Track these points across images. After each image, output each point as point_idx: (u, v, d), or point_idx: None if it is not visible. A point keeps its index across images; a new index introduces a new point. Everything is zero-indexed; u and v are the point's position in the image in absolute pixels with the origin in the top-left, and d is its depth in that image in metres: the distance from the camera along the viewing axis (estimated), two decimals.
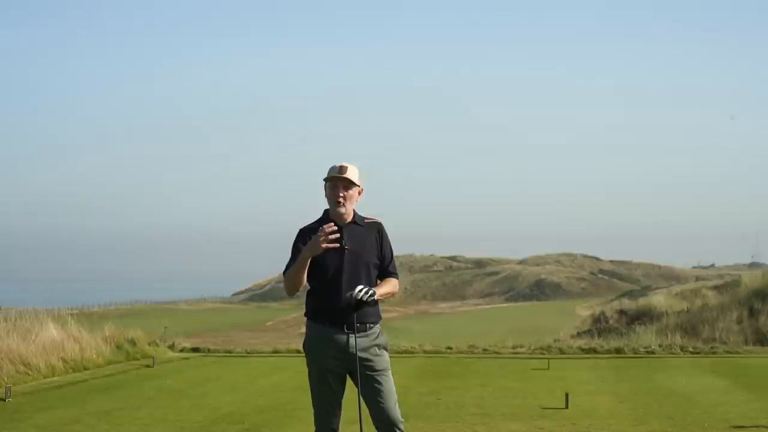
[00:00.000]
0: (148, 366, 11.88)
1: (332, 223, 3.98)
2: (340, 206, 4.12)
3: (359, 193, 4.20)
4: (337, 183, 4.12)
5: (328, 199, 4.19)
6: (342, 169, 4.12)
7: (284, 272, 4.15)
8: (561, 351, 13.77)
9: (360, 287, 3.97)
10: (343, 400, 4.18)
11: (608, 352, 13.67)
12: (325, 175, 4.17)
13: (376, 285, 4.15)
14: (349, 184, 4.13)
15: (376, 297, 4.00)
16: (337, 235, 3.96)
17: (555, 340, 17.36)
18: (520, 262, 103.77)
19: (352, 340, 4.04)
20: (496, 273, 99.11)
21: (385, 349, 4.21)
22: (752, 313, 21.07)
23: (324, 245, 3.91)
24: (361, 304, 3.97)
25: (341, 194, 4.11)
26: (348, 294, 3.96)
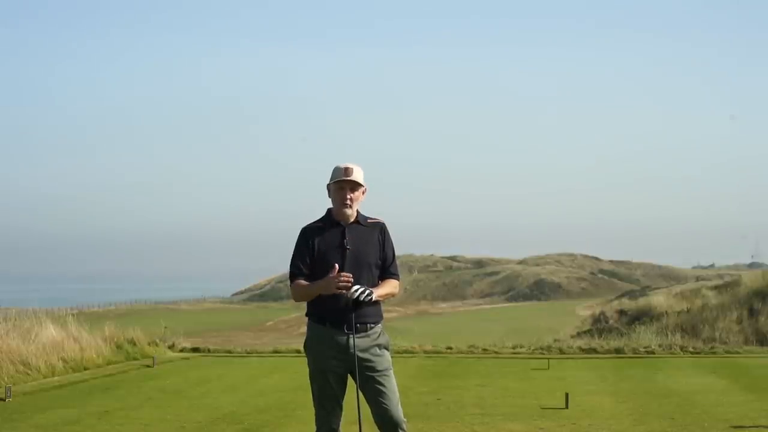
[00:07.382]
0: (148, 366, 11.88)
1: (350, 275, 3.98)
2: (347, 208, 4.13)
3: (363, 193, 4.22)
4: (344, 185, 4.13)
5: (333, 201, 4.19)
6: (348, 171, 4.12)
7: (290, 276, 4.15)
8: (561, 351, 13.75)
9: (357, 287, 3.97)
10: (344, 401, 4.17)
11: (608, 352, 13.65)
12: (330, 176, 4.17)
13: (377, 285, 4.15)
14: (356, 185, 4.15)
15: (374, 297, 4.02)
16: (350, 283, 3.97)
17: (555, 340, 17.32)
18: (520, 262, 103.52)
19: (351, 340, 4.04)
20: (496, 273, 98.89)
21: (387, 349, 4.21)
22: (752, 313, 21.11)
23: (335, 291, 3.95)
24: (358, 304, 3.97)
25: (348, 196, 4.13)
26: (345, 294, 3.97)
